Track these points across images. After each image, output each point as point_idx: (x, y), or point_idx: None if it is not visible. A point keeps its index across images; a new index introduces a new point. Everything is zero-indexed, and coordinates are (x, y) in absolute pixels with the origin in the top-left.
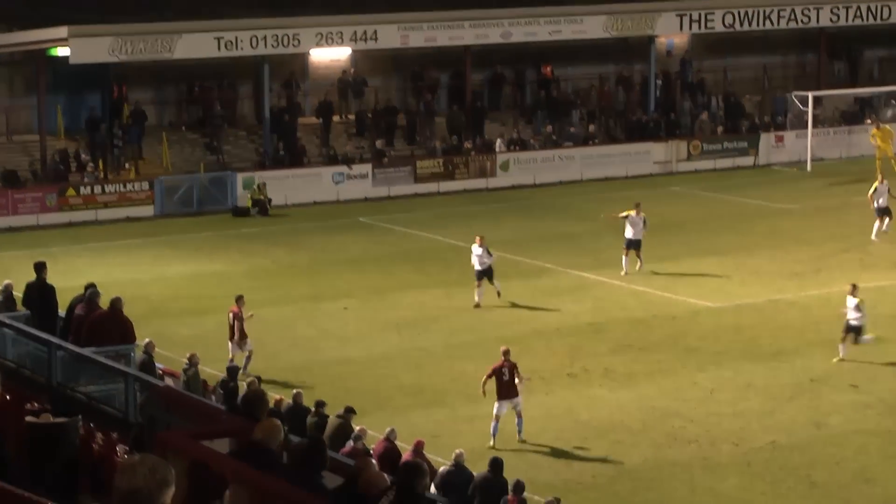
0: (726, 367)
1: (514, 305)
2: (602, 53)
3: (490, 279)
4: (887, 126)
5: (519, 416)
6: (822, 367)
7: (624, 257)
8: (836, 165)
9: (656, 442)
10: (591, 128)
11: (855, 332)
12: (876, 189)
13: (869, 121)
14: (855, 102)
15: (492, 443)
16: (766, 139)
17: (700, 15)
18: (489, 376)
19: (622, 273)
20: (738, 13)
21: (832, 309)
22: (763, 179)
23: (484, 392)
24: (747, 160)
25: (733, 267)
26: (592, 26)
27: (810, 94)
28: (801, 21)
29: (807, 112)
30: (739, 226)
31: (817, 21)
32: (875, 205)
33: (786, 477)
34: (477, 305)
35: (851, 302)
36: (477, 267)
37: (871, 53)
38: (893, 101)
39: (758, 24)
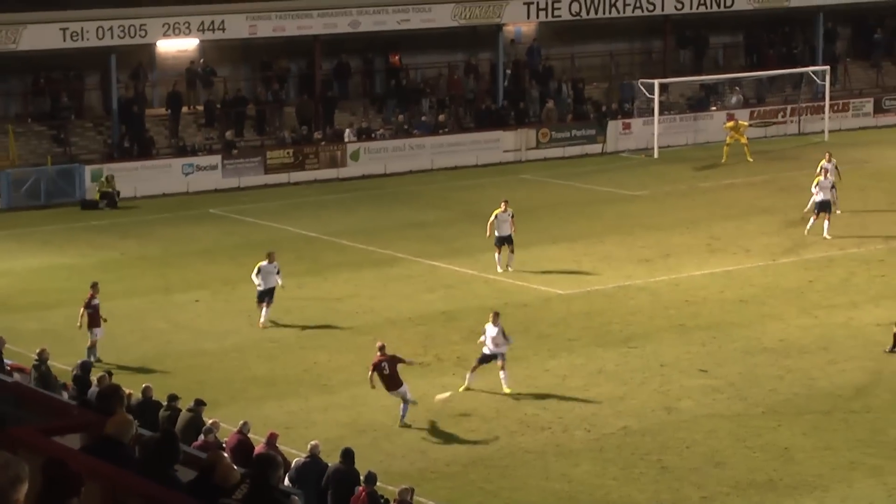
0: (578, 354)
1: (366, 295)
2: (450, 42)
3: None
4: (742, 122)
5: (405, 402)
6: (673, 352)
7: (497, 255)
8: (683, 152)
9: (509, 429)
10: (441, 116)
11: (485, 361)
12: (819, 182)
13: (727, 119)
14: (701, 89)
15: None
16: (614, 126)
17: (547, 3)
18: (371, 371)
19: (498, 270)
20: (585, 1)
21: (680, 293)
22: (611, 166)
23: (373, 385)
24: (595, 147)
25: (583, 253)
26: (441, 15)
27: (657, 82)
28: (647, 9)
29: (653, 99)
30: (589, 212)
31: (662, 9)
32: (817, 198)
33: (637, 461)
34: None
35: (492, 330)
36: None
37: (715, 40)
38: (738, 88)
39: (604, 12)
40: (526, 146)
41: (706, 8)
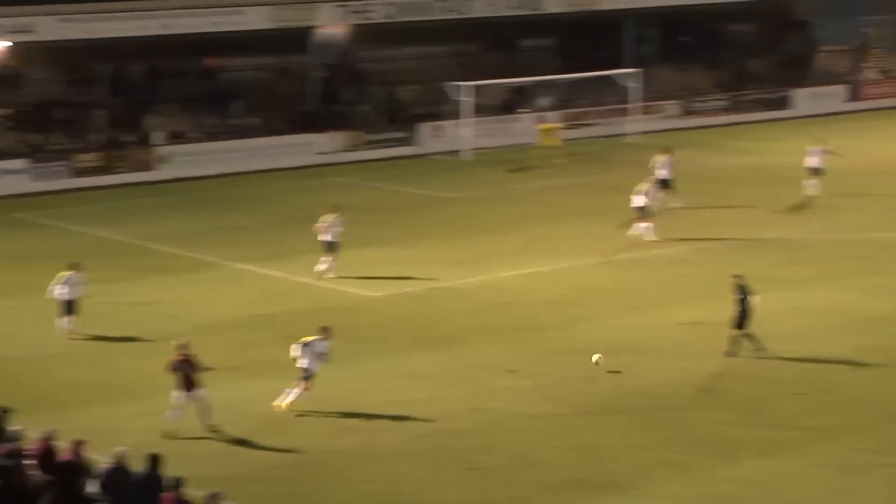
0: (391, 356)
1: (177, 300)
2: (264, 44)
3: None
4: (556, 124)
5: (203, 408)
6: (483, 353)
7: (323, 261)
8: (495, 154)
9: (322, 432)
10: (255, 119)
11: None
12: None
13: (542, 121)
14: (512, 92)
15: (169, 427)
16: (427, 129)
17: (359, 6)
18: (170, 370)
19: (330, 276)
20: (398, 4)
21: (492, 295)
22: (425, 169)
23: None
24: (409, 150)
25: (397, 256)
26: (254, 17)
27: (468, 84)
28: (459, 12)
29: (466, 101)
30: (402, 215)
31: (474, 12)
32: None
33: (449, 462)
34: None
35: (321, 346)
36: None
37: (527, 43)
38: (547, 90)
39: (417, 15)
40: (339, 149)
41: (517, 11)
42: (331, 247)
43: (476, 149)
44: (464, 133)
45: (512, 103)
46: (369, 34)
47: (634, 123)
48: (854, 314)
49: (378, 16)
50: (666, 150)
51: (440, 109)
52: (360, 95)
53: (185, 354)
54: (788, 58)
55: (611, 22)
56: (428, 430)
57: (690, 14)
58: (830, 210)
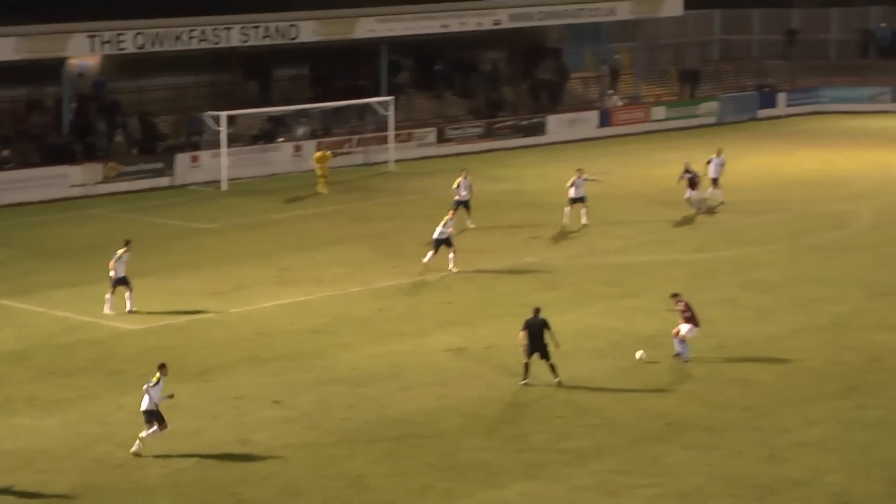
0: None
1: None
2: (13, 76)
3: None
4: (329, 153)
5: None
6: (247, 384)
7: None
8: (252, 184)
9: (84, 468)
10: (5, 152)
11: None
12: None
13: (322, 149)
14: (268, 121)
15: None
16: (183, 159)
17: (111, 36)
18: None
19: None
20: (149, 34)
21: (253, 326)
22: (181, 199)
23: None
24: (164, 181)
25: (156, 288)
26: (2, 48)
27: (224, 114)
28: (213, 41)
29: (221, 131)
30: (160, 247)
31: (229, 41)
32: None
33: (215, 495)
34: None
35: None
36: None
37: (282, 72)
38: (304, 119)
39: (170, 45)
40: (94, 181)
41: (272, 40)
42: (121, 281)
43: (233, 179)
44: (220, 163)
45: (269, 133)
46: (122, 64)
47: (391, 151)
48: (610, 337)
49: (131, 46)
50: (463, 171)
51: (196, 140)
52: (115, 126)
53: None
54: (540, 85)
55: (365, 50)
56: (192, 463)
57: (443, 42)
58: (585, 234)
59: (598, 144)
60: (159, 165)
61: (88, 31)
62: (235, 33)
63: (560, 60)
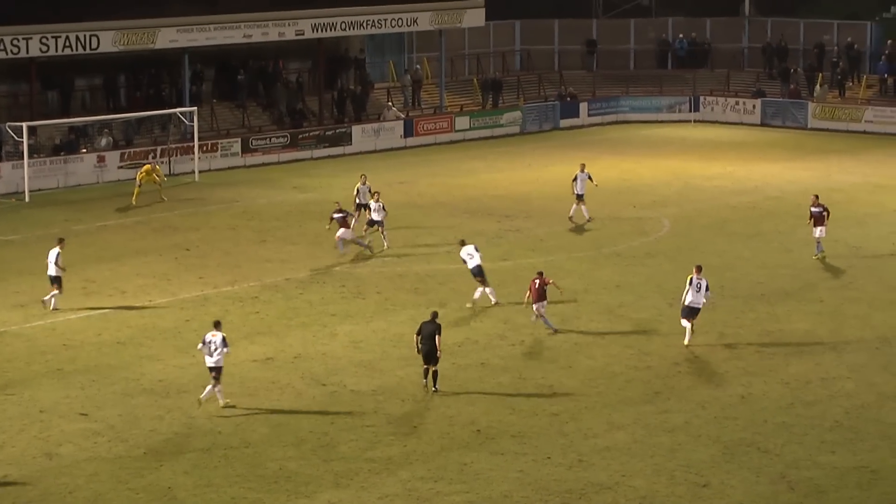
0: None
1: None
2: None
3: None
4: (157, 166)
5: None
6: (51, 397)
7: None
8: (55, 195)
9: None
10: None
11: None
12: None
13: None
14: (70, 132)
15: None
16: None
17: None
18: None
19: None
20: None
21: (57, 338)
22: None
23: None
24: None
25: None
26: None
27: (25, 125)
28: (11, 51)
29: (22, 142)
30: None
31: (28, 51)
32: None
33: None
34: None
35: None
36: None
37: (83, 82)
38: (106, 130)
39: None
40: None
41: (72, 50)
42: (55, 280)
43: (35, 190)
44: (21, 174)
45: (70, 144)
46: None
47: (196, 162)
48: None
49: None
50: (361, 176)
51: None
52: None
53: None
54: (344, 95)
55: (168, 60)
56: None
57: (244, 52)
58: (392, 242)
59: (403, 154)
60: None
61: None
62: (35, 43)
63: (363, 70)
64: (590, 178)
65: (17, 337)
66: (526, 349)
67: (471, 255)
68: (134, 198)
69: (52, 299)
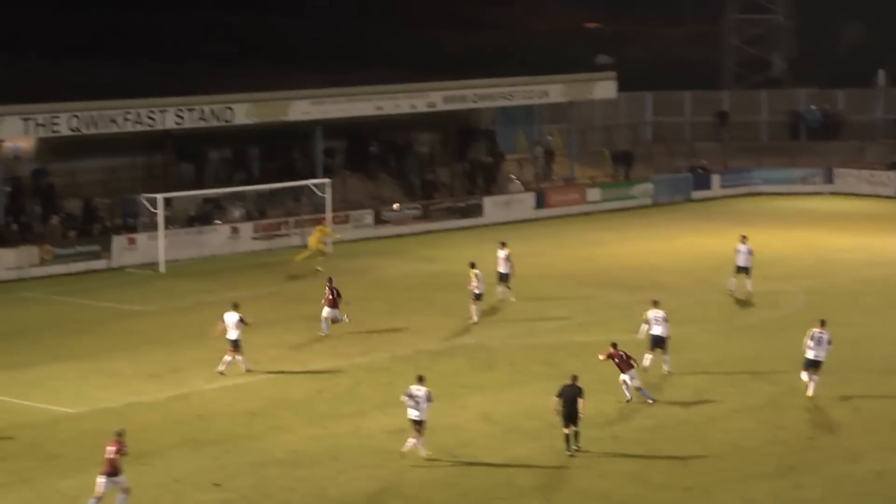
0: (90, 474)
1: None
2: None
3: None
4: (325, 227)
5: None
6: (185, 467)
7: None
8: (189, 265)
9: None
10: None
11: None
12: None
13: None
14: (204, 203)
15: None
16: (119, 241)
17: (45, 118)
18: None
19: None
20: (84, 116)
21: (191, 409)
22: (117, 282)
23: None
24: (100, 263)
25: (91, 371)
26: None
27: (160, 196)
28: (147, 124)
29: (157, 213)
30: (96, 329)
31: (163, 124)
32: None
33: None
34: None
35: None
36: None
37: (216, 154)
38: (239, 202)
39: (104, 127)
40: (29, 264)
41: (206, 122)
42: (235, 344)
43: (170, 261)
44: (156, 245)
45: (204, 215)
46: (56, 146)
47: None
48: (548, 418)
49: (65, 128)
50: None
51: (132, 222)
52: (49, 209)
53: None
54: (475, 166)
55: (299, 132)
56: None
57: (375, 124)
58: (521, 315)
59: (534, 225)
60: (95, 248)
61: (22, 114)
62: (170, 115)
63: (494, 142)
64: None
65: (151, 407)
66: (658, 422)
67: (658, 322)
68: (319, 265)
69: (241, 363)
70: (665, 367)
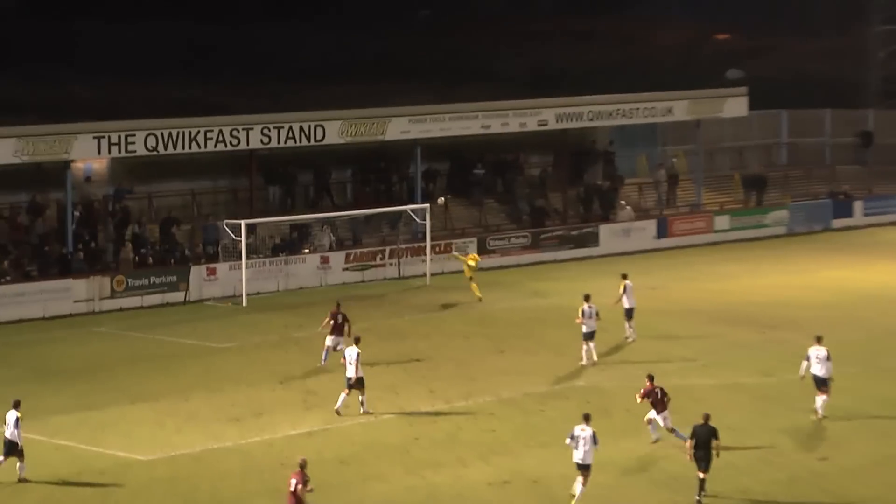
0: None
1: None
2: (13, 180)
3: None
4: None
5: None
6: None
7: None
8: (273, 298)
9: None
10: (4, 264)
11: None
12: None
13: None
14: (291, 230)
15: None
16: (198, 272)
17: (119, 137)
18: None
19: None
20: (162, 135)
21: (275, 455)
22: (196, 316)
23: None
24: (178, 295)
25: (167, 413)
26: (1, 151)
27: (243, 222)
28: (231, 143)
29: (240, 241)
30: (172, 367)
31: (248, 143)
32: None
33: None
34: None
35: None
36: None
37: (305, 177)
38: (327, 227)
39: (183, 147)
40: (100, 295)
41: (295, 142)
42: (359, 382)
43: (253, 293)
44: (238, 276)
45: (292, 243)
46: (132, 167)
47: (428, 263)
48: (668, 468)
49: (141, 148)
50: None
51: (213, 250)
52: (123, 236)
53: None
54: (591, 191)
55: (397, 153)
56: None
57: (482, 145)
58: (640, 355)
59: (655, 256)
60: (172, 278)
61: (95, 132)
62: (256, 134)
63: (612, 164)
64: None
65: (232, 453)
66: (791, 475)
67: (819, 360)
68: (476, 291)
69: (362, 403)
70: (819, 411)
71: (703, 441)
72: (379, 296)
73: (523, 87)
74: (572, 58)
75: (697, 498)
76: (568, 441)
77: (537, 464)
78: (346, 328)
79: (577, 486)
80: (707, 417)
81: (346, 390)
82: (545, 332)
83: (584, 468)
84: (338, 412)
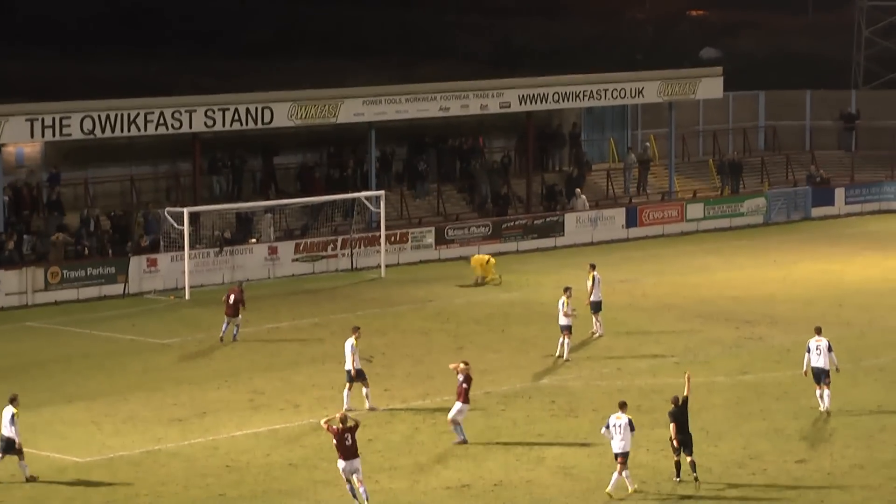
0: None
1: None
2: None
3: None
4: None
5: None
6: None
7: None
8: (219, 292)
9: None
10: None
11: None
12: None
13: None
14: (237, 219)
15: None
16: (137, 263)
17: (54, 119)
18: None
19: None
20: (100, 117)
21: (220, 458)
22: (135, 310)
23: None
24: (117, 288)
25: (104, 413)
26: None
27: (186, 210)
28: (172, 126)
29: (182, 230)
30: (109, 365)
31: (191, 126)
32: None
33: None
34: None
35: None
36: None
37: (254, 163)
38: (269, 214)
39: (122, 130)
40: (33, 288)
41: (241, 125)
42: (360, 374)
43: (196, 286)
44: (181, 267)
45: (238, 233)
46: (66, 152)
47: (383, 254)
48: (637, 473)
49: (76, 131)
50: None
51: (153, 240)
52: (56, 224)
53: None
54: (557, 178)
55: (351, 137)
56: None
57: (440, 128)
58: (609, 353)
59: (624, 247)
60: (110, 270)
61: (28, 114)
62: (199, 116)
63: (579, 149)
64: None
65: (173, 456)
66: (768, 479)
67: (819, 352)
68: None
69: (367, 397)
70: (824, 405)
71: (683, 424)
72: (331, 289)
73: (485, 66)
74: (537, 35)
75: (695, 474)
76: (603, 431)
77: (498, 467)
78: (238, 308)
79: (614, 476)
80: (676, 400)
81: (348, 384)
82: (509, 328)
83: (623, 455)
84: (349, 410)
